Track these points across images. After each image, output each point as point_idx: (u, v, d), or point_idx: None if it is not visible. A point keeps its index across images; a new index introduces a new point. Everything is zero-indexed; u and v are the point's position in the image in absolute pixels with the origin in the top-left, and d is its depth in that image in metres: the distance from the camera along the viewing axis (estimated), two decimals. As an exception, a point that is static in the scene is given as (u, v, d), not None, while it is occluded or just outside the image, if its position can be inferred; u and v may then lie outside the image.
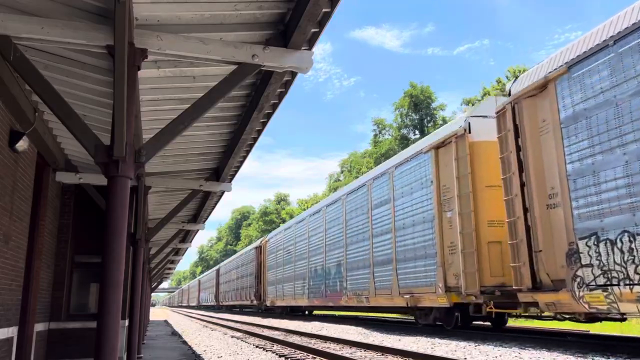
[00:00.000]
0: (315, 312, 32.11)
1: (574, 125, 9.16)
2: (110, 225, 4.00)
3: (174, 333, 20.88)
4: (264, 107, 6.87)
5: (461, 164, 12.49)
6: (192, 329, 24.00)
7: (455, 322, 13.15)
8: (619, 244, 8.07)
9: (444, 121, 49.61)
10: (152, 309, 63.60)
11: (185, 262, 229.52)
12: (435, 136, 14.08)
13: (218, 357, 11.36)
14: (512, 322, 17.15)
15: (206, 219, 16.25)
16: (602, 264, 8.35)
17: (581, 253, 8.75)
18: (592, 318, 9.54)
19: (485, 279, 11.57)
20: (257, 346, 13.61)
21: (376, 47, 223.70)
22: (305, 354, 11.19)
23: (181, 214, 14.12)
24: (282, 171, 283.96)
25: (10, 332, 6.90)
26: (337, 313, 31.39)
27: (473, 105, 39.29)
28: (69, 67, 5.74)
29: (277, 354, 11.45)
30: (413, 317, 15.77)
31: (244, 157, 9.68)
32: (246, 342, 14.99)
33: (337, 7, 4.79)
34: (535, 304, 10.03)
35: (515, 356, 8.85)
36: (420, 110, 53.54)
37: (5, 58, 4.66)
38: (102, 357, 3.81)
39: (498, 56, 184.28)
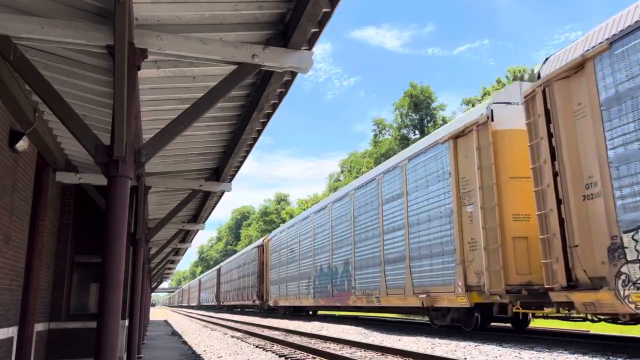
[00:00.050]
0: (320, 312, 31.51)
1: (616, 107, 8.32)
2: (110, 225, 4.00)
3: (174, 333, 20.88)
4: (264, 107, 6.88)
5: (483, 154, 11.71)
6: (192, 329, 24.00)
7: (475, 323, 12.44)
8: None
9: (444, 121, 49.60)
10: (152, 309, 63.60)
11: (185, 262, 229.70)
12: (453, 125, 13.29)
13: (218, 357, 11.36)
14: (534, 324, 16.01)
15: (206, 219, 16.25)
16: None
17: (626, 248, 7.98)
18: (638, 319, 8.87)
19: (510, 277, 10.81)
20: (257, 346, 13.61)
21: (376, 47, 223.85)
22: (305, 354, 11.19)
23: (181, 214, 14.12)
24: (282, 171, 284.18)
25: (10, 332, 6.90)
26: (338, 313, 31.29)
27: (473, 105, 39.26)
28: (69, 67, 5.74)
29: (277, 354, 11.45)
30: (428, 318, 15.00)
31: (244, 157, 9.68)
32: (246, 342, 14.99)
33: (337, 7, 4.79)
34: (569, 304, 9.24)
35: (515, 356, 8.85)
36: (420, 110, 53.51)
37: (5, 58, 4.66)
38: (102, 357, 3.81)
39: (498, 56, 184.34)
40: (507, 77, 43.26)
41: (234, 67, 5.14)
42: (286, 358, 10.73)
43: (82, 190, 10.06)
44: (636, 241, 7.87)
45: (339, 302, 20.47)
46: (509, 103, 11.84)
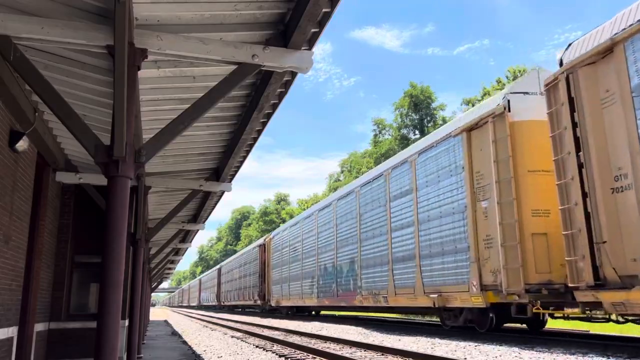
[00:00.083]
0: (323, 312, 30.99)
1: None
2: (110, 225, 4.00)
3: (174, 333, 20.89)
4: (264, 107, 6.88)
5: (500, 146, 11.15)
6: (192, 329, 24.00)
7: (490, 324, 11.85)
8: None
9: (444, 121, 49.62)
10: (152, 309, 63.59)
11: (185, 262, 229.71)
12: (467, 117, 12.66)
13: (218, 357, 11.37)
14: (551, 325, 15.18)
15: (206, 219, 16.25)
16: None
17: None
18: None
19: (530, 276, 10.26)
20: (257, 346, 13.61)
21: (376, 47, 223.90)
22: (305, 354, 11.19)
23: (181, 214, 14.12)
24: (282, 171, 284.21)
25: (10, 332, 6.90)
26: (339, 313, 31.27)
27: (473, 105, 39.23)
28: (69, 67, 5.74)
29: (277, 354, 11.45)
30: (439, 319, 14.37)
31: (244, 157, 9.68)
32: (246, 342, 14.99)
33: (337, 7, 4.80)
34: (596, 305, 8.74)
35: (515, 356, 8.85)
36: (420, 110, 53.53)
37: (5, 58, 4.66)
38: (102, 357, 3.81)
39: (498, 56, 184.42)
40: (507, 77, 43.27)
41: (234, 67, 5.14)
42: (286, 358, 10.73)
43: (82, 190, 10.06)
44: None
45: (344, 302, 19.87)
46: (526, 93, 11.28)
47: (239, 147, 8.55)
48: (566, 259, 9.23)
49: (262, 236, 53.38)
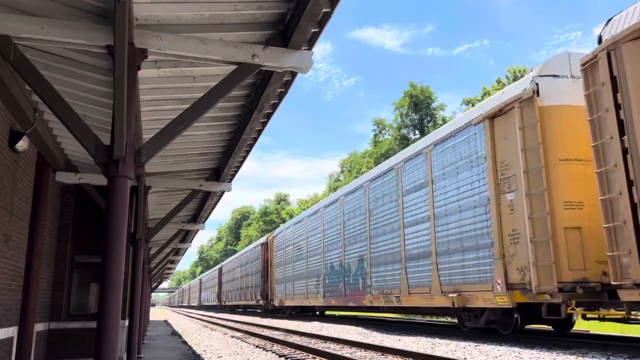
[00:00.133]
0: (328, 312, 30.27)
1: None
2: (110, 225, 4.00)
3: (174, 333, 20.89)
4: (264, 107, 6.88)
5: (528, 133, 10.32)
6: (192, 329, 24.00)
7: (514, 325, 11.07)
8: None
9: (444, 121, 49.65)
10: (152, 309, 63.60)
11: (185, 262, 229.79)
12: (489, 104, 11.78)
13: (218, 357, 11.37)
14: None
15: (206, 219, 16.26)
16: None
17: None
18: None
19: (562, 274, 9.47)
20: (257, 346, 13.61)
21: (376, 47, 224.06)
22: (305, 354, 11.19)
23: (181, 214, 14.12)
24: (282, 171, 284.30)
25: (10, 332, 6.90)
26: (339, 313, 31.24)
27: (473, 105, 39.21)
28: (69, 67, 5.74)
29: (277, 354, 11.46)
30: (457, 320, 13.62)
31: (244, 157, 9.69)
32: (246, 342, 15.00)
33: (337, 7, 4.80)
34: None
35: (515, 356, 8.85)
36: (420, 110, 53.56)
37: (5, 58, 4.66)
38: (102, 357, 3.81)
39: (498, 56, 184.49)
40: (507, 77, 43.28)
41: (234, 67, 5.14)
42: (286, 358, 10.73)
43: (82, 190, 10.06)
44: None
45: (353, 302, 18.99)
46: (556, 76, 10.49)
47: (239, 147, 8.55)
48: (608, 254, 8.49)
49: (262, 236, 53.18)
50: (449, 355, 8.94)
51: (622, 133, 8.23)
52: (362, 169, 58.31)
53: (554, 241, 9.63)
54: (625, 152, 8.17)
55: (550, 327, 12.53)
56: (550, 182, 9.92)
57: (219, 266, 56.27)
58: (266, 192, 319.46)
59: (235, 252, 77.90)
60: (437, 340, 12.20)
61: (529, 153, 10.30)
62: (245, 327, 21.35)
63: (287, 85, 6.52)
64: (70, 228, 10.27)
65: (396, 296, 15.22)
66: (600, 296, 9.33)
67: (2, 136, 6.03)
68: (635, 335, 12.36)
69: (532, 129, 10.30)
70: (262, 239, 36.19)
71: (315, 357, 10.67)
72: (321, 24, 5.10)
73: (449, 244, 12.67)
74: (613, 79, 8.45)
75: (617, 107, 8.33)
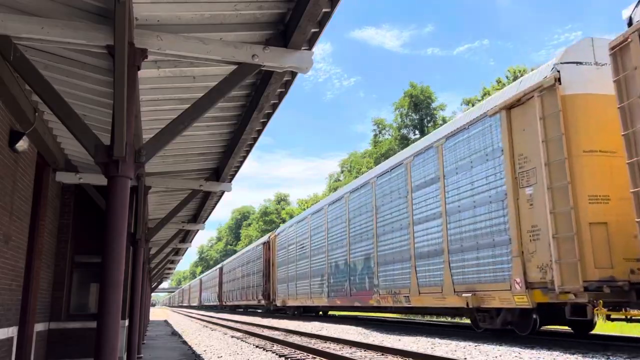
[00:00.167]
0: (331, 312, 29.94)
1: None
2: (110, 225, 4.00)
3: (174, 333, 20.89)
4: (264, 107, 6.88)
5: (550, 124, 9.79)
6: (192, 329, 24.01)
7: (533, 326, 10.62)
8: None
9: (444, 121, 49.67)
10: (152, 309, 63.60)
11: (185, 262, 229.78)
12: (505, 94, 11.28)
13: (218, 357, 11.37)
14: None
15: (206, 219, 16.26)
16: None
17: None
18: None
19: (588, 272, 8.95)
20: (257, 346, 13.62)
21: (376, 47, 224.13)
22: (305, 354, 11.19)
23: (181, 214, 14.13)
24: (282, 171, 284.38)
25: (10, 332, 6.91)
26: (339, 313, 31.23)
27: (473, 105, 39.21)
28: (69, 67, 5.75)
29: (277, 354, 11.46)
30: (470, 320, 13.12)
31: (244, 157, 9.69)
32: (246, 342, 15.00)
33: (337, 7, 4.80)
34: None
35: (515, 356, 8.85)
36: (420, 110, 53.59)
37: (5, 58, 4.66)
38: (102, 357, 3.81)
39: (498, 56, 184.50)
40: (507, 77, 43.30)
41: (234, 67, 5.14)
42: (286, 358, 10.73)
43: (82, 190, 10.06)
44: None
45: (359, 302, 18.45)
46: (579, 63, 9.97)
47: (239, 147, 8.55)
48: None
49: (262, 236, 53.02)
50: (449, 355, 8.94)
51: None
52: (362, 169, 58.34)
53: (579, 237, 9.13)
54: None
55: (569, 328, 12.12)
56: (573, 175, 9.42)
57: (219, 266, 56.06)
58: (266, 192, 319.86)
59: (235, 252, 77.87)
60: (437, 340, 12.20)
61: (550, 144, 9.79)
62: (245, 327, 21.35)
63: (287, 85, 6.52)
64: (70, 228, 10.28)
65: (405, 296, 14.73)
66: (628, 296, 8.89)
67: (2, 136, 6.03)
68: (635, 335, 12.36)
69: (554, 119, 9.77)
70: (264, 238, 35.74)
71: (315, 357, 10.68)
72: (321, 24, 5.11)
73: (462, 241, 12.16)
74: None
75: None
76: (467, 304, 11.71)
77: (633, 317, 9.25)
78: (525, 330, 10.88)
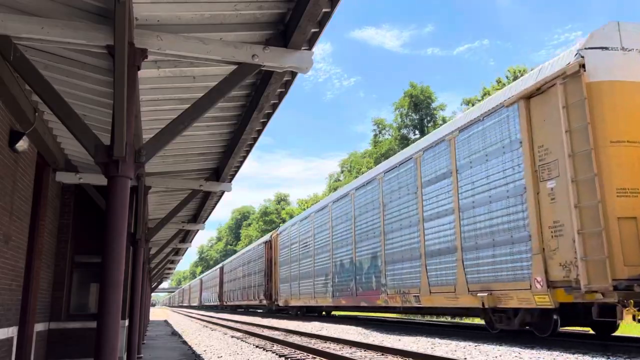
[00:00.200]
0: (334, 312, 29.37)
1: None
2: (110, 225, 4.00)
3: (174, 333, 20.90)
4: (264, 107, 6.88)
5: (574, 113, 9.20)
6: (192, 329, 24.01)
7: (553, 327, 10.12)
8: None
9: (444, 121, 49.67)
10: (152, 309, 63.59)
11: (185, 262, 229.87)
12: (523, 83, 10.68)
13: (218, 357, 11.37)
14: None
15: (206, 219, 16.26)
16: None
17: None
18: None
19: (617, 270, 8.40)
20: (257, 346, 13.62)
21: (376, 47, 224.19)
22: (305, 354, 11.19)
23: (181, 214, 14.13)
24: (282, 171, 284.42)
25: (10, 332, 6.91)
26: (339, 313, 31.20)
27: (473, 105, 39.19)
28: (69, 67, 5.75)
29: (277, 354, 11.46)
30: (484, 321, 12.56)
31: (244, 157, 9.69)
32: (246, 342, 15.00)
33: (337, 7, 4.80)
34: None
35: (515, 356, 8.85)
36: (420, 110, 53.59)
37: (5, 58, 4.66)
38: (102, 357, 3.81)
39: (498, 56, 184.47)
40: (507, 77, 43.29)
41: (234, 67, 5.14)
42: (286, 358, 10.73)
43: (82, 190, 10.07)
44: None
45: (365, 302, 17.86)
46: (605, 48, 9.37)
47: (239, 147, 8.55)
48: None
49: (262, 236, 52.94)
50: (449, 355, 8.94)
51: None
52: (362, 169, 58.33)
53: (607, 233, 8.57)
54: None
55: (591, 329, 11.60)
56: (600, 166, 8.86)
57: (220, 265, 55.87)
58: (266, 192, 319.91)
59: (235, 252, 77.83)
60: (437, 340, 12.20)
61: (574, 135, 9.18)
62: (245, 327, 21.35)
63: (287, 85, 6.53)
64: (70, 228, 10.28)
65: (415, 296, 14.11)
66: None
67: (2, 136, 6.03)
68: (635, 335, 12.36)
69: (578, 108, 9.18)
70: (266, 237, 35.22)
71: (315, 357, 10.68)
72: (321, 24, 5.11)
73: (477, 238, 11.56)
74: None
75: None
76: (483, 304, 11.18)
77: None
78: (545, 332, 10.41)
